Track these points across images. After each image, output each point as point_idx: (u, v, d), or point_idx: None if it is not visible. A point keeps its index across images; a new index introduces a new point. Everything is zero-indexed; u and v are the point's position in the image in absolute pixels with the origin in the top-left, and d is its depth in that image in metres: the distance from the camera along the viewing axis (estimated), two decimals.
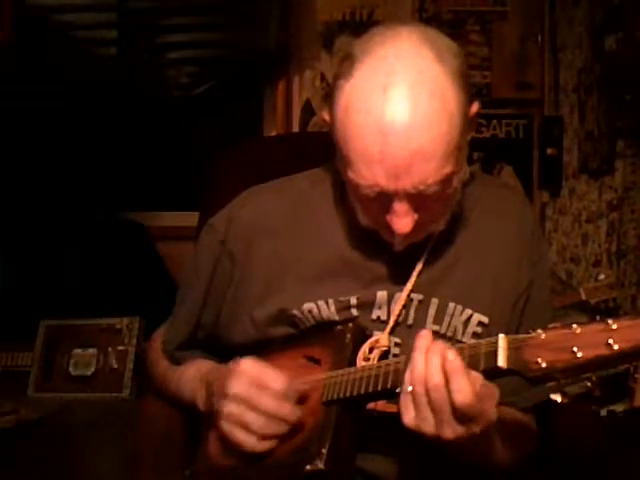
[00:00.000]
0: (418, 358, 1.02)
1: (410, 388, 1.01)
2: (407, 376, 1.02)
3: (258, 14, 2.83)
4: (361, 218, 1.19)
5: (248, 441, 1.13)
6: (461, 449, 1.06)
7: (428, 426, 1.01)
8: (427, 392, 1.00)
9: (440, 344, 1.02)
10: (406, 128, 1.05)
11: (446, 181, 1.10)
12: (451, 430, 1.00)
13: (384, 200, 1.11)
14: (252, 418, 1.12)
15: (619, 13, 2.49)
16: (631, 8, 2.41)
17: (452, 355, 1.00)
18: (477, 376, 1.00)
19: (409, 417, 1.02)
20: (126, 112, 3.01)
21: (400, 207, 1.10)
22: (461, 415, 0.99)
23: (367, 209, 1.17)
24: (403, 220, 1.11)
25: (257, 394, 1.12)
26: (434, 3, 2.92)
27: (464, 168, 1.17)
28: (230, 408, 1.14)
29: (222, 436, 1.16)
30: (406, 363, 1.06)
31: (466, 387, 0.98)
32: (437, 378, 0.99)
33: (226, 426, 1.14)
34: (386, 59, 1.07)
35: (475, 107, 1.16)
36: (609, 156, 2.54)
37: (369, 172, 1.09)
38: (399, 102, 1.05)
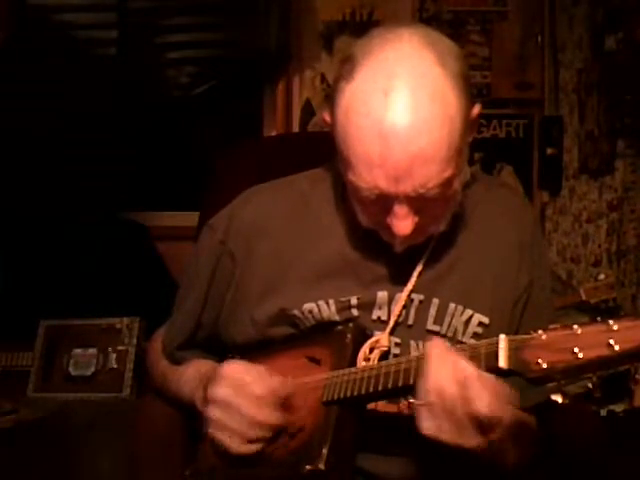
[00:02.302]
0: (432, 367, 1.01)
1: (426, 398, 1.01)
2: (421, 385, 1.02)
3: (258, 14, 2.83)
4: (361, 219, 1.19)
5: (232, 445, 1.13)
6: (479, 455, 1.04)
7: (447, 435, 1.00)
8: (444, 403, 0.99)
9: (453, 353, 1.02)
10: (406, 132, 1.05)
11: (447, 184, 1.10)
12: (471, 438, 1.00)
13: (384, 202, 1.11)
14: (234, 422, 1.13)
15: (619, 13, 2.48)
16: (631, 8, 2.41)
17: (466, 364, 0.99)
18: (490, 376, 0.99)
19: (427, 426, 1.01)
20: (126, 112, 3.01)
21: (400, 209, 1.10)
22: (481, 423, 0.99)
23: (367, 210, 1.16)
24: (403, 222, 1.11)
25: (237, 398, 1.13)
26: (434, 3, 2.92)
27: (465, 170, 1.17)
28: (213, 413, 1.15)
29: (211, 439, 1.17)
30: (408, 364, 1.07)
31: (485, 395, 0.98)
32: (453, 389, 0.99)
33: (211, 430, 1.15)
34: (387, 62, 1.07)
35: (476, 109, 1.16)
36: (609, 156, 2.54)
37: (369, 175, 1.08)
38: (400, 105, 1.05)
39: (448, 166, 1.08)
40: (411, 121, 1.05)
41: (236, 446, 1.13)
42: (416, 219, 1.12)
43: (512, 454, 1.16)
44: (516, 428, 1.19)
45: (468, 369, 0.99)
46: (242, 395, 1.13)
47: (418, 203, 1.10)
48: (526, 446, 1.23)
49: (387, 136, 1.05)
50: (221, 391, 1.14)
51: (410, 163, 1.06)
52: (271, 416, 1.13)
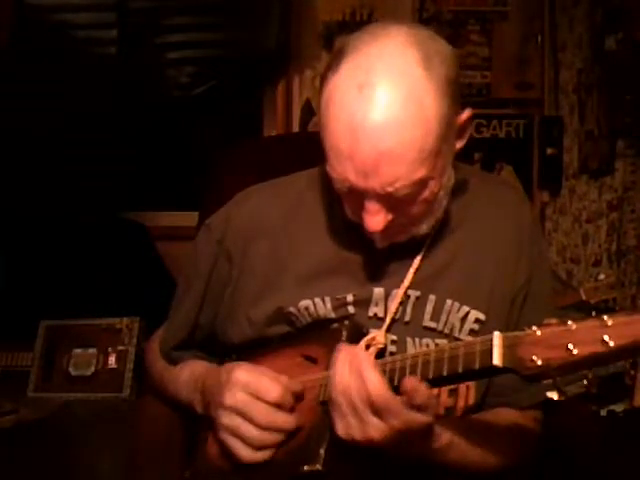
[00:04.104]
0: (337, 367, 1.06)
1: (333, 399, 1.06)
2: (330, 389, 1.07)
3: (258, 14, 2.83)
4: (347, 211, 1.19)
5: (244, 452, 1.14)
6: (405, 453, 1.08)
7: (356, 432, 1.04)
8: (344, 398, 1.04)
9: (351, 349, 1.08)
10: (375, 129, 1.05)
11: (419, 185, 1.10)
12: (374, 429, 1.03)
13: (357, 197, 1.12)
14: (247, 430, 1.13)
15: (619, 13, 2.48)
16: (631, 8, 2.40)
17: (361, 351, 1.06)
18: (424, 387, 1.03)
19: (339, 428, 1.06)
20: (126, 112, 3.01)
21: (371, 205, 1.11)
22: (377, 407, 1.02)
23: (347, 203, 1.18)
24: (374, 218, 1.12)
25: (251, 406, 1.13)
26: (434, 3, 2.92)
27: (447, 175, 1.16)
28: (226, 420, 1.15)
29: (221, 443, 1.17)
30: (403, 362, 1.07)
31: (375, 377, 1.02)
32: (350, 379, 1.04)
33: (223, 436, 1.16)
34: (369, 57, 1.08)
35: (465, 115, 1.16)
36: (609, 156, 2.54)
37: (340, 167, 1.10)
38: (372, 102, 1.05)
39: (420, 168, 1.08)
40: (381, 118, 1.05)
41: (248, 453, 1.14)
42: (389, 217, 1.12)
43: (485, 457, 1.18)
44: (492, 431, 1.20)
45: (363, 355, 1.05)
46: (257, 402, 1.13)
47: (390, 201, 1.10)
48: (512, 448, 1.23)
49: (356, 131, 1.06)
50: (234, 398, 1.15)
51: (377, 160, 1.06)
52: (286, 422, 1.14)
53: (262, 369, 1.18)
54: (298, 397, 1.16)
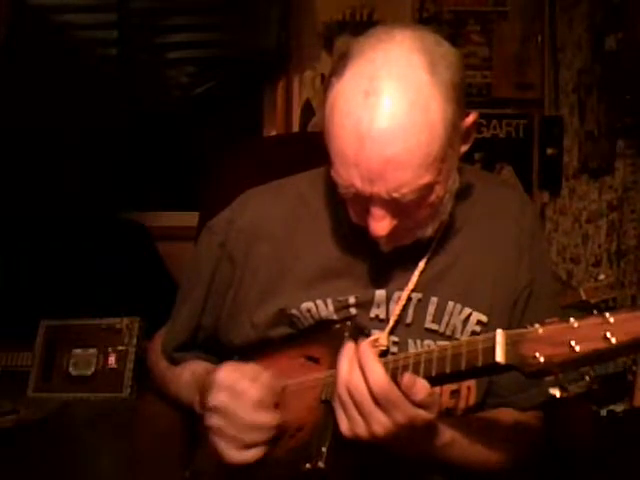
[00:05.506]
0: (341, 367, 1.06)
1: (339, 398, 1.06)
2: (335, 389, 1.07)
3: (258, 14, 2.83)
4: (351, 215, 1.19)
5: (231, 453, 1.14)
6: (407, 450, 1.08)
7: (359, 428, 1.04)
8: (349, 392, 1.04)
9: (356, 346, 1.07)
10: (381, 135, 1.05)
11: (425, 190, 1.10)
12: (378, 424, 1.03)
13: (363, 202, 1.12)
14: (231, 429, 1.13)
15: (619, 13, 2.48)
16: (631, 8, 2.40)
17: (364, 345, 1.06)
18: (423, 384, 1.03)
19: (344, 426, 1.06)
20: (126, 112, 3.01)
21: (376, 211, 1.11)
22: (378, 399, 1.02)
23: (352, 208, 1.17)
24: (379, 223, 1.12)
25: (232, 406, 1.14)
26: (434, 3, 2.92)
27: (452, 178, 1.16)
28: (212, 421, 1.15)
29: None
30: (406, 360, 1.07)
31: (376, 368, 1.03)
32: (354, 374, 1.04)
33: (212, 438, 1.16)
34: (374, 63, 1.07)
35: (471, 118, 1.16)
36: (609, 156, 2.54)
37: (346, 173, 1.09)
38: (378, 109, 1.05)
39: (425, 173, 1.08)
40: (387, 125, 1.05)
41: (235, 454, 1.13)
42: (394, 222, 1.12)
43: (489, 455, 1.18)
44: (496, 429, 1.20)
45: (366, 348, 1.05)
46: (238, 400, 1.13)
47: (395, 206, 1.10)
48: (517, 447, 1.23)
49: (363, 138, 1.05)
50: (217, 399, 1.15)
51: (383, 167, 1.06)
52: (270, 417, 1.14)
53: (245, 368, 1.18)
54: (301, 396, 1.16)
